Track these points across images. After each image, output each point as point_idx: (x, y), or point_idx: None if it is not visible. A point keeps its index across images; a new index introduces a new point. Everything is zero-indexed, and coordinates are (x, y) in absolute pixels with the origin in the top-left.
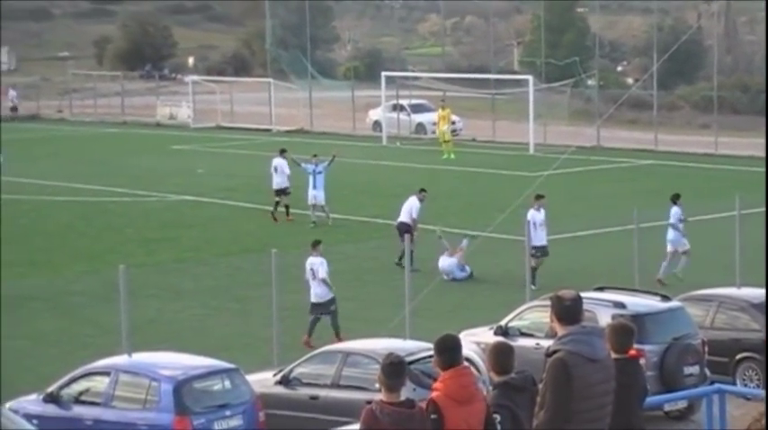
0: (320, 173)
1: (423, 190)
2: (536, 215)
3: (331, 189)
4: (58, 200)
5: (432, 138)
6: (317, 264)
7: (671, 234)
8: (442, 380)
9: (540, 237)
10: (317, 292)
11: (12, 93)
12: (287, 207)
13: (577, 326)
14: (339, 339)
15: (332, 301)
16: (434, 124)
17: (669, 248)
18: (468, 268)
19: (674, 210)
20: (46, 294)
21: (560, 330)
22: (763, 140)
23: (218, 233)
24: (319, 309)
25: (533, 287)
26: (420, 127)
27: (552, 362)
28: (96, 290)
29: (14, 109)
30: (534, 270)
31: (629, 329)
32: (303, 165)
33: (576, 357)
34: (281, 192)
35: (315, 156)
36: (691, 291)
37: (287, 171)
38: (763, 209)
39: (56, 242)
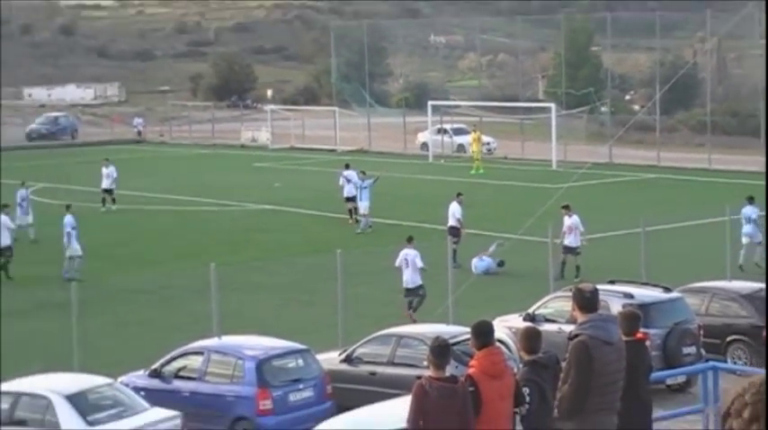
0: (365, 188)
1: (459, 194)
2: (568, 221)
3: (385, 199)
4: (161, 209)
5: (470, 157)
6: (411, 256)
7: (747, 228)
8: (477, 358)
9: (571, 240)
10: (409, 279)
11: (138, 120)
12: (350, 212)
13: (595, 314)
14: (413, 317)
15: (421, 287)
16: (470, 145)
17: (744, 240)
18: (495, 260)
19: (748, 209)
20: (151, 288)
21: (581, 317)
22: (749, 158)
23: (292, 236)
24: (411, 293)
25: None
26: (460, 147)
27: (575, 344)
28: (191, 284)
29: (140, 133)
30: (563, 265)
31: (636, 316)
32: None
33: (594, 340)
34: (351, 199)
35: (363, 173)
36: (688, 283)
37: (355, 181)
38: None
39: (158, 244)
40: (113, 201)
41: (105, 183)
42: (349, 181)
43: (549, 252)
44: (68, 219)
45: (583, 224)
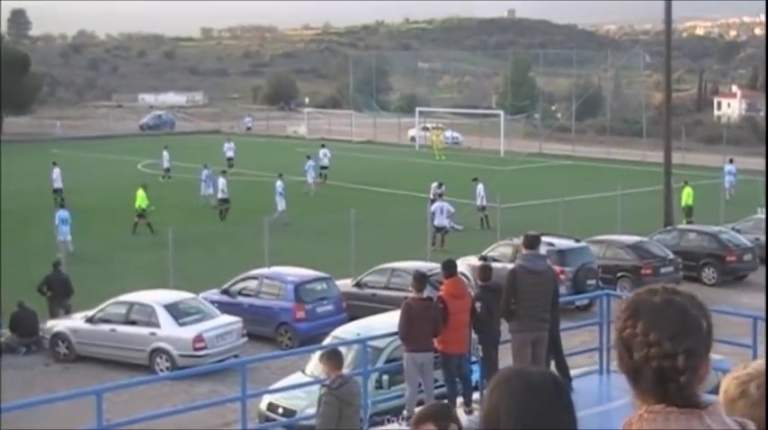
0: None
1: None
2: (480, 189)
3: (385, 175)
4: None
5: (444, 147)
6: (445, 206)
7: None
8: (445, 285)
9: (483, 201)
10: (439, 223)
11: (248, 119)
12: (323, 176)
13: (531, 251)
14: (442, 245)
15: (445, 227)
16: (431, 139)
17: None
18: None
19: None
20: (226, 233)
21: (523, 252)
22: (634, 151)
23: (320, 199)
24: (440, 230)
25: (477, 228)
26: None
27: (509, 270)
28: (252, 231)
29: (249, 128)
30: (482, 220)
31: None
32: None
33: (521, 268)
34: (324, 168)
35: (308, 157)
36: (591, 236)
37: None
38: (634, 190)
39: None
40: (231, 167)
41: (229, 154)
42: (324, 155)
43: (498, 214)
44: (279, 183)
45: (487, 194)
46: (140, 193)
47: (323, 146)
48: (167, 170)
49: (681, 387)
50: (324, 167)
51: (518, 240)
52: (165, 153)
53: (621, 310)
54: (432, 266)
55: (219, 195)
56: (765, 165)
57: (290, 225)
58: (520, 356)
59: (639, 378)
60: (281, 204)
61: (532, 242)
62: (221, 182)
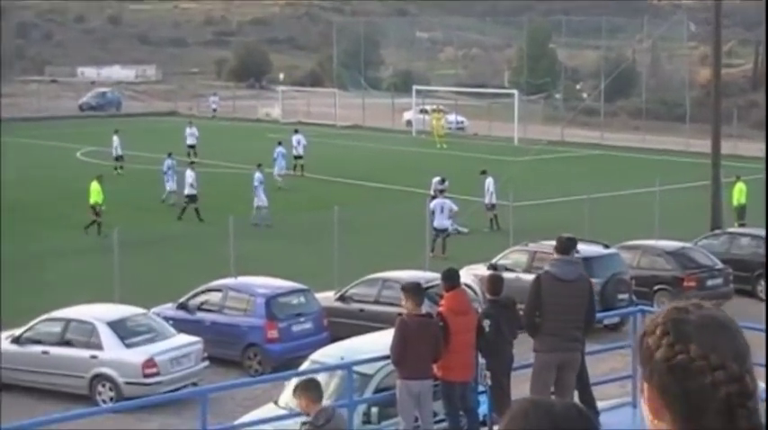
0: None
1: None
2: (490, 184)
3: (375, 166)
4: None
5: (447, 133)
6: (447, 204)
7: None
8: (446, 298)
9: (493, 198)
10: (439, 224)
11: (213, 98)
12: (299, 168)
13: (562, 256)
14: (443, 251)
15: (447, 229)
16: (431, 124)
17: None
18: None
19: None
20: (185, 236)
21: (554, 257)
22: (675, 139)
23: (299, 195)
24: (440, 233)
25: (485, 230)
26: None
27: (534, 277)
28: (215, 233)
29: (215, 110)
30: (491, 221)
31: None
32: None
33: (547, 275)
34: (299, 158)
35: (279, 143)
36: (623, 242)
37: (303, 143)
38: (675, 185)
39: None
40: (192, 156)
41: (190, 140)
42: (299, 142)
43: (510, 213)
44: (257, 175)
45: (497, 189)
46: (95, 187)
47: (296, 131)
48: (119, 159)
49: (750, 413)
50: (298, 157)
51: (534, 245)
52: (116, 138)
53: (659, 335)
54: (430, 276)
55: (187, 191)
56: (765, 165)
57: (272, 226)
58: (540, 382)
59: (702, 413)
60: (260, 199)
61: (566, 246)
62: (189, 175)
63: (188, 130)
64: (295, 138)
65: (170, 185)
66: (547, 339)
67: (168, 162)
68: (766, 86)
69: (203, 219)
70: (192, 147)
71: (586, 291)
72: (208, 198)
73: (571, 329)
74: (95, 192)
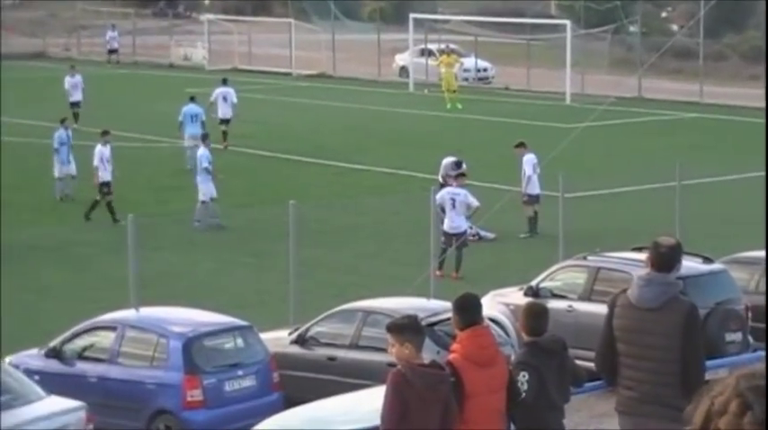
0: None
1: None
2: (531, 163)
3: (354, 137)
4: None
5: (463, 86)
6: (462, 195)
7: None
8: (460, 340)
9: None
10: (452, 226)
11: (110, 34)
12: (224, 134)
13: (656, 271)
14: (457, 269)
15: (464, 233)
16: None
17: None
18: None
19: None
20: (51, 244)
21: (642, 273)
22: None
23: (234, 182)
24: (453, 239)
25: (522, 236)
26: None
27: (611, 297)
28: (104, 240)
29: (113, 51)
30: (531, 220)
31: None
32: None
33: (623, 298)
34: (225, 122)
35: (191, 99)
36: (735, 253)
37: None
38: None
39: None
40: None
41: (75, 96)
42: (225, 99)
43: (560, 209)
44: (203, 152)
45: (540, 172)
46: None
47: (224, 81)
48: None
49: None
50: (224, 121)
51: (596, 259)
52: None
53: (737, 412)
54: (436, 306)
55: (101, 175)
56: (765, 166)
57: (224, 227)
58: None
59: None
60: (205, 190)
61: (664, 257)
62: (100, 152)
63: (69, 80)
64: (219, 91)
65: (65, 168)
66: (622, 396)
67: (61, 134)
68: (766, 79)
69: (91, 218)
70: (75, 104)
71: (677, 327)
72: (92, 187)
73: (652, 385)
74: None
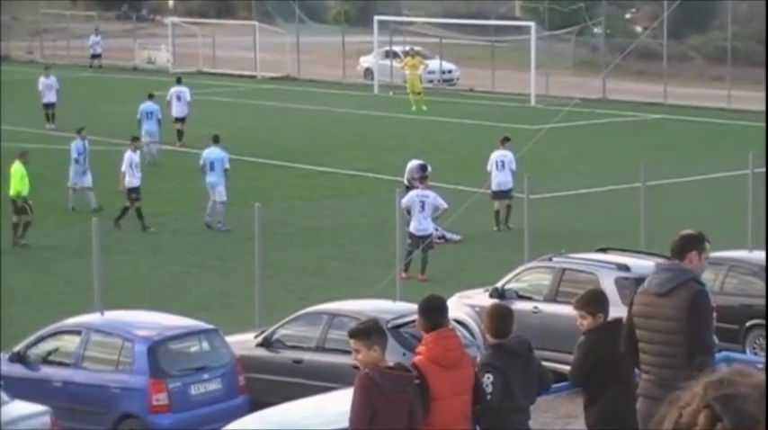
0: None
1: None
2: (506, 159)
3: (320, 139)
4: (29, 147)
5: (428, 88)
6: (431, 198)
7: None
8: (425, 343)
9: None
10: (418, 228)
11: (94, 38)
12: (179, 133)
13: (667, 262)
14: (423, 271)
15: (431, 235)
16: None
17: None
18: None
19: None
20: (15, 248)
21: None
22: None
23: (199, 186)
24: (419, 241)
25: (494, 229)
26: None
27: None
28: (68, 244)
29: (96, 56)
30: (498, 215)
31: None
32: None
33: (642, 284)
34: (181, 120)
35: (150, 96)
36: None
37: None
38: None
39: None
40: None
41: (48, 97)
42: (179, 98)
43: (525, 211)
44: (215, 151)
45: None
46: (17, 169)
47: (179, 81)
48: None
49: None
50: (179, 119)
51: (562, 260)
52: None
53: (706, 422)
54: (402, 308)
55: (128, 181)
56: (766, 166)
57: (230, 229)
58: None
59: None
60: (222, 191)
61: (675, 246)
62: (130, 157)
63: (43, 81)
64: (174, 90)
65: (82, 180)
66: (642, 379)
67: (78, 144)
68: (766, 77)
69: (120, 225)
70: (49, 106)
71: (681, 311)
72: (56, 190)
73: (660, 368)
74: (18, 177)
